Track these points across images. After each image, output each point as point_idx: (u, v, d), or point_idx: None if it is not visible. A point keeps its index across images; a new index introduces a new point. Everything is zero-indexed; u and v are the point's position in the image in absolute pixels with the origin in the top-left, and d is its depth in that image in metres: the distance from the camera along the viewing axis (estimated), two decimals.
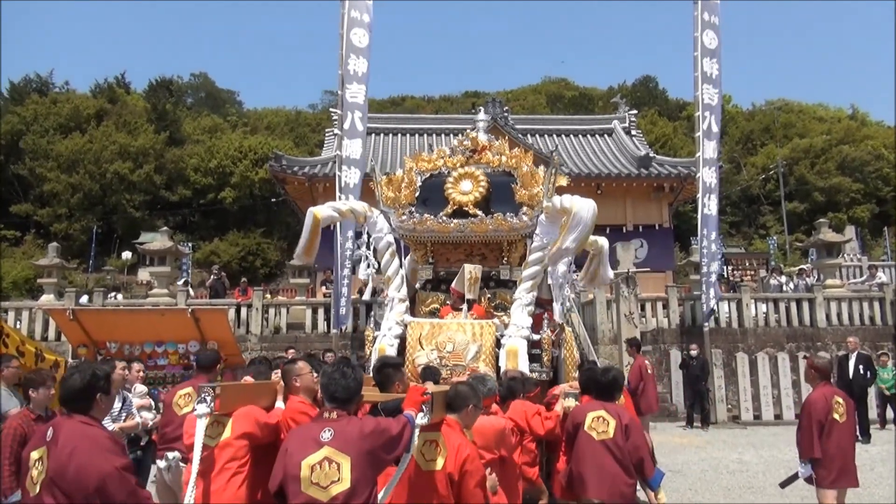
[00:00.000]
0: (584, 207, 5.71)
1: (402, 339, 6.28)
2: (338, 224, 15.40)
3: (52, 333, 15.90)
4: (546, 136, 26.59)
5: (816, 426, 5.57)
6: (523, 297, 6.36)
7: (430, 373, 5.22)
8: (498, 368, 5.90)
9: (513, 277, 6.84)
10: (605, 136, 26.54)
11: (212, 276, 20.37)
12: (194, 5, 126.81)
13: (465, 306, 6.48)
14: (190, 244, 33.26)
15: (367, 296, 7.10)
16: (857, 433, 10.05)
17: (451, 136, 25.88)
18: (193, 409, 3.54)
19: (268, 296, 18.02)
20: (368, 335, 6.56)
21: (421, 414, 3.40)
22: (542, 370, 6.15)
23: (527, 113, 42.97)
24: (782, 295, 18.49)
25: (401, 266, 6.88)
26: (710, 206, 15.88)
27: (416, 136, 26.41)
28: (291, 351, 14.32)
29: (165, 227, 19.98)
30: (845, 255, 24.83)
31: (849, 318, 17.62)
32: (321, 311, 17.30)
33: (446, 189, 6.64)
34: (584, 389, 5.48)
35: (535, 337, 6.20)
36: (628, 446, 4.81)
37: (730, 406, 15.80)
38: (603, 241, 7.15)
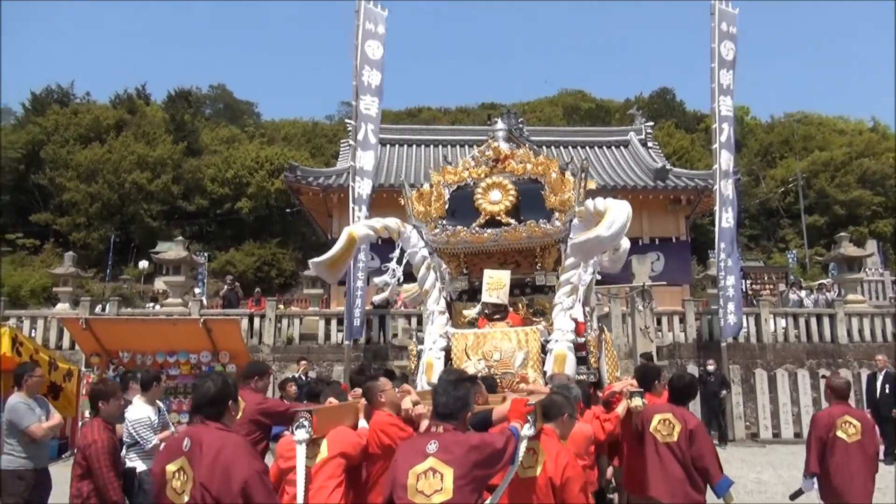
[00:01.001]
0: (619, 206, 5.84)
1: (447, 351, 6.33)
2: None
3: (66, 342, 15.97)
4: (561, 147, 26.43)
5: (816, 442, 5.68)
6: (563, 301, 6.41)
7: (485, 382, 5.17)
8: (544, 373, 5.94)
9: (548, 282, 6.89)
10: (621, 147, 26.34)
11: (225, 287, 20.40)
12: (215, 18, 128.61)
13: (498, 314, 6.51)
14: (206, 254, 33.43)
15: (377, 300, 7.13)
16: (882, 454, 9.72)
17: (467, 147, 25.81)
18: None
19: (281, 306, 17.98)
20: (412, 350, 6.59)
21: (527, 425, 3.51)
22: (588, 372, 6.20)
23: (543, 125, 42.89)
24: (802, 310, 18.15)
25: (437, 279, 6.87)
26: (727, 218, 15.66)
27: (432, 147, 26.36)
28: (303, 362, 14.29)
29: (180, 237, 20.06)
30: (867, 270, 24.39)
31: (871, 334, 17.25)
32: (334, 322, 17.24)
33: (476, 200, 6.70)
34: (643, 387, 5.62)
35: (580, 340, 6.25)
36: (693, 452, 4.89)
37: (748, 423, 15.49)
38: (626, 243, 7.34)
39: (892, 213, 43.46)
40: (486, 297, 6.49)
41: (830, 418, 5.71)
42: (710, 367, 14.62)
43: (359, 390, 4.87)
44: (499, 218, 6.61)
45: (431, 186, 6.95)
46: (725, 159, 15.94)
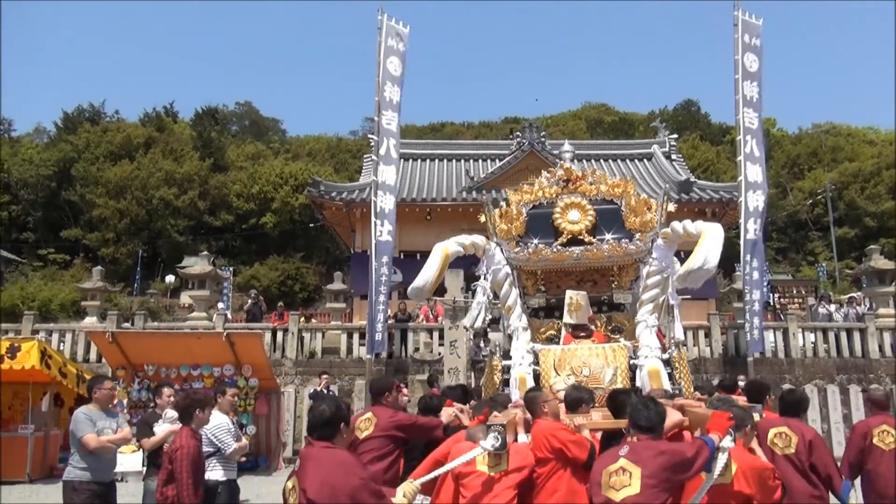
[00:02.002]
0: (716, 231, 6.08)
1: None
2: (372, 250, 15.48)
3: (93, 355, 16.20)
4: (584, 161, 26.35)
5: (853, 449, 5.92)
6: (647, 318, 6.66)
7: (583, 393, 5.37)
8: (635, 389, 6.05)
9: (624, 300, 7.13)
10: (645, 160, 26.19)
11: (249, 301, 20.60)
12: (241, 36, 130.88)
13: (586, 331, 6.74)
14: (231, 268, 33.80)
15: (477, 324, 7.15)
16: None
17: (489, 161, 25.89)
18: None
19: (302, 320, 18.09)
20: (497, 365, 6.70)
21: (728, 438, 3.78)
22: (675, 388, 6.32)
23: (566, 138, 42.60)
24: (831, 324, 17.77)
25: (519, 296, 7.01)
26: (753, 231, 15.44)
27: (454, 161, 26.47)
28: (325, 376, 14.33)
29: (205, 252, 20.35)
30: None
31: None
32: (356, 336, 17.27)
33: (555, 219, 6.85)
34: (756, 401, 5.87)
35: (665, 356, 6.46)
36: (814, 460, 5.11)
37: None
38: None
39: None
40: (567, 318, 6.75)
41: (868, 427, 5.96)
42: (741, 383, 14.33)
43: (457, 405, 5.57)
44: (580, 237, 6.76)
45: (512, 205, 7.06)
46: (752, 171, 15.76)
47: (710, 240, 5.92)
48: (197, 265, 20.21)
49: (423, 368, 16.65)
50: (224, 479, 6.06)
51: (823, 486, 5.11)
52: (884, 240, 37.85)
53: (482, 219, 7.24)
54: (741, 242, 15.60)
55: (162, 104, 54.68)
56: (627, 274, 7.08)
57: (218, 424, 6.11)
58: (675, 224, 6.48)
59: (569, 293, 6.77)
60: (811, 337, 17.16)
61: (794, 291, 26.88)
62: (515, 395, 6.14)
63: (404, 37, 16.32)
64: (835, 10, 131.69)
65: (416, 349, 17.17)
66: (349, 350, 17.27)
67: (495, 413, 4.77)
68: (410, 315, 18.10)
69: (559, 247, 6.72)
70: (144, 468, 6.72)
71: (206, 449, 5.87)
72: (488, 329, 18.05)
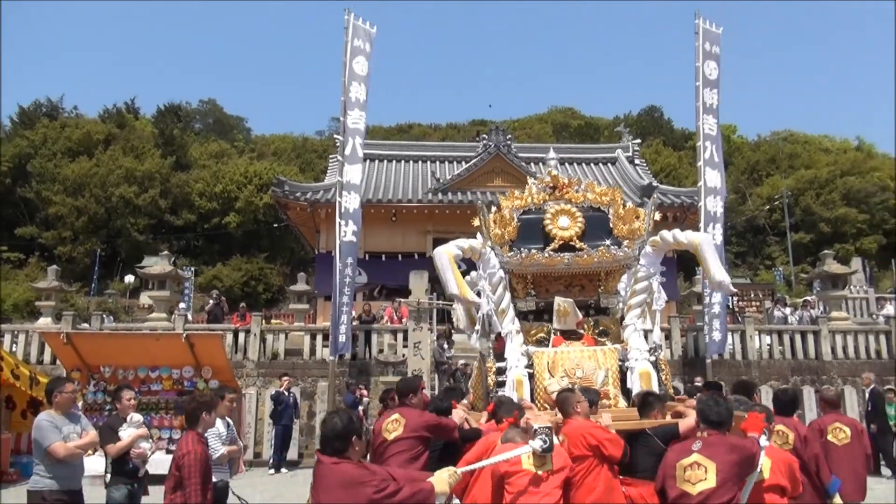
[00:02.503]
0: (705, 239, 6.74)
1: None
2: (336, 251, 15.38)
3: (47, 357, 15.77)
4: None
5: (819, 449, 6.23)
6: (636, 322, 6.98)
7: (590, 394, 5.56)
8: (626, 390, 6.41)
9: (610, 305, 7.35)
10: (609, 164, 26.52)
11: (210, 301, 20.27)
12: (207, 33, 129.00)
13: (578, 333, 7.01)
14: (192, 269, 33.24)
15: (495, 330, 7.20)
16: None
17: (455, 163, 25.93)
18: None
19: (264, 321, 17.87)
20: (490, 366, 6.87)
21: (763, 437, 4.15)
22: (661, 389, 6.52)
23: (533, 141, 43.09)
24: (787, 327, 18.23)
25: (515, 300, 7.20)
26: (713, 235, 15.74)
27: (420, 163, 26.45)
28: (286, 378, 14.18)
29: (166, 252, 19.97)
30: (851, 287, 24.58)
31: (854, 351, 17.34)
32: (319, 338, 17.14)
33: (545, 225, 7.01)
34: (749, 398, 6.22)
35: (651, 359, 6.69)
36: (807, 456, 5.52)
37: None
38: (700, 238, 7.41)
39: (877, 230, 43.87)
40: (556, 324, 6.96)
41: (822, 425, 6.64)
42: (699, 383, 14.61)
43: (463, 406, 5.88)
44: (572, 243, 6.92)
45: (506, 211, 7.20)
46: (711, 177, 16.09)
47: (710, 254, 6.60)
48: (157, 265, 19.84)
49: (387, 370, 16.60)
50: (215, 480, 5.89)
51: (816, 477, 5.58)
52: (838, 245, 39.02)
53: (475, 223, 7.34)
54: None
55: (123, 100, 53.61)
56: (614, 279, 7.34)
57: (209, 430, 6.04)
58: (665, 233, 6.98)
59: (557, 300, 6.94)
60: (767, 339, 17.57)
61: (752, 295, 27.49)
62: (513, 396, 6.26)
63: (371, 37, 16.26)
64: (795, 22, 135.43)
65: (381, 351, 17.10)
66: (312, 351, 17.12)
67: (536, 413, 5.15)
68: (375, 316, 18.04)
69: (551, 252, 6.88)
70: (107, 476, 6.42)
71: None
72: (452, 331, 18.12)
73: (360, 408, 14.67)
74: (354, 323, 17.18)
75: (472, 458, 4.73)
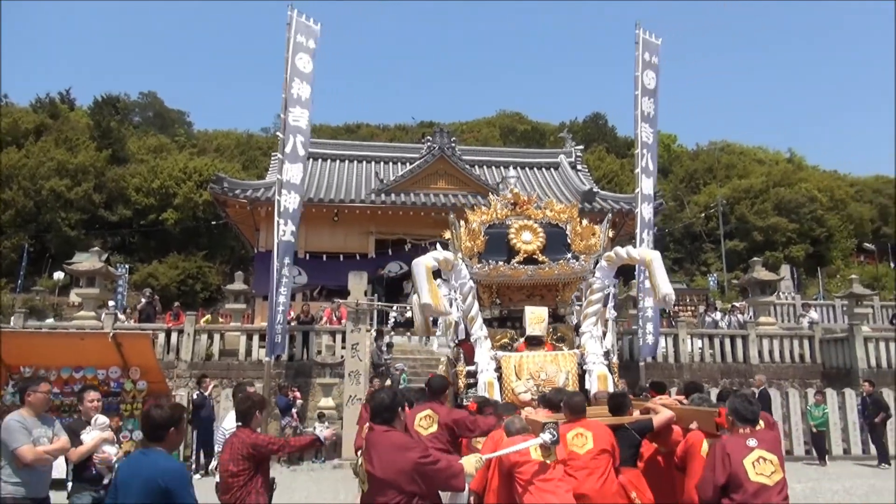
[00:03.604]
0: (655, 256, 7.38)
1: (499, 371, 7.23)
2: (275, 250, 15.09)
3: None
4: (493, 167, 26.79)
5: None
6: (592, 330, 7.55)
7: (577, 395, 5.98)
8: (585, 391, 6.90)
9: (567, 314, 8.01)
10: (552, 169, 26.87)
11: (143, 300, 19.62)
12: (149, 23, 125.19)
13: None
14: (127, 266, 32.09)
15: (461, 336, 7.74)
16: None
17: (400, 164, 25.85)
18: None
19: (203, 320, 17.41)
20: (461, 370, 7.29)
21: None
22: (616, 390, 7.07)
23: (480, 144, 43.35)
24: (717, 331, 18.80)
25: (481, 308, 7.68)
26: (647, 241, 16.11)
27: (365, 163, 26.25)
28: (207, 380, 13.79)
29: (97, 248, 19.19)
30: (780, 294, 25.54)
31: (780, 355, 17.99)
32: (256, 338, 16.79)
33: (510, 240, 7.61)
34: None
35: (606, 363, 7.35)
36: None
37: None
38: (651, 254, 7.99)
39: (805, 239, 45.78)
40: (530, 330, 7.49)
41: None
42: (647, 385, 14.91)
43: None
44: (535, 256, 7.52)
45: (476, 225, 7.71)
46: (646, 184, 16.45)
47: (660, 269, 7.24)
48: (86, 261, 19.06)
49: (325, 371, 16.38)
50: None
51: None
52: (769, 253, 40.54)
53: (446, 235, 7.90)
54: None
55: (57, 90, 51.49)
56: (570, 290, 7.99)
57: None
58: (619, 249, 7.66)
59: (528, 309, 7.55)
60: (699, 343, 18.08)
61: (688, 300, 28.22)
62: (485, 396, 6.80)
63: (315, 34, 16.02)
64: (734, 39, 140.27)
65: (319, 352, 16.87)
66: (248, 352, 16.76)
67: (547, 411, 5.79)
68: (314, 317, 17.79)
69: (516, 264, 7.48)
70: (69, 483, 5.96)
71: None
72: (392, 332, 18.04)
73: (294, 410, 14.46)
74: (293, 323, 16.91)
75: (486, 451, 5.12)
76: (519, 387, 6.95)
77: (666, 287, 7.16)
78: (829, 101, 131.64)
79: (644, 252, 7.57)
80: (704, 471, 4.59)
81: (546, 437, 4.75)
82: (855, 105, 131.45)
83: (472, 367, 7.19)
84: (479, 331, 7.38)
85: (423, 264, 7.02)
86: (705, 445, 5.02)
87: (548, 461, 4.81)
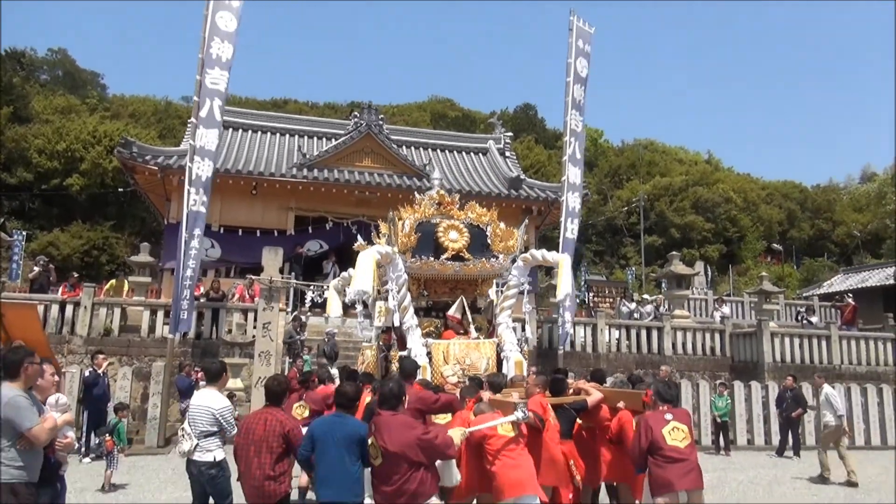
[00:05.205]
0: (565, 260, 8.71)
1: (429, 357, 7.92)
2: (184, 220, 14.13)
3: None
4: (422, 149, 26.28)
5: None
6: (507, 321, 8.57)
7: (501, 378, 6.92)
8: (503, 375, 7.42)
9: (482, 306, 8.92)
10: (480, 154, 26.61)
11: (36, 268, 18.11)
12: None
13: (472, 329, 8.50)
14: (24, 233, 29.67)
15: (396, 323, 8.16)
16: None
17: (325, 140, 24.98)
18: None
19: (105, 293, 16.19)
20: (395, 356, 7.99)
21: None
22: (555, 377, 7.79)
23: (409, 126, 42.64)
24: (634, 322, 19.09)
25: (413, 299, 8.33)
26: (571, 230, 16.06)
27: (288, 136, 25.21)
28: (102, 356, 12.67)
29: None
30: (694, 289, 26.29)
31: (692, 347, 18.43)
32: (161, 314, 15.80)
33: (438, 237, 8.30)
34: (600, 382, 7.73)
35: (521, 350, 8.37)
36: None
37: None
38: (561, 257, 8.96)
39: (719, 238, 47.66)
40: (452, 311, 8.49)
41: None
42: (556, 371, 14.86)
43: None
44: (461, 254, 8.32)
45: (411, 221, 8.25)
46: (573, 173, 16.38)
47: (566, 272, 8.52)
48: None
49: (234, 351, 15.60)
50: (223, 457, 5.79)
51: None
52: (685, 250, 41.87)
53: (383, 230, 8.61)
54: (560, 241, 16.17)
55: None
56: (487, 285, 8.94)
57: (226, 406, 5.89)
58: (535, 251, 8.83)
59: (463, 300, 8.57)
60: (616, 333, 18.29)
61: (607, 292, 28.68)
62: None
63: None
64: (659, 39, 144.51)
65: (229, 330, 16.04)
66: (152, 328, 15.80)
67: (508, 392, 6.47)
68: (224, 294, 16.88)
69: (444, 260, 8.25)
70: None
71: (208, 428, 5.69)
72: (308, 314, 17.33)
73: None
74: (202, 300, 15.99)
75: (456, 426, 5.73)
76: (447, 370, 7.74)
77: (566, 288, 8.58)
78: (745, 105, 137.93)
79: (555, 256, 8.67)
80: (633, 439, 5.79)
81: (519, 414, 5.52)
82: (769, 110, 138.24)
83: (404, 353, 7.78)
84: (410, 319, 8.00)
85: (369, 255, 7.58)
86: (634, 422, 6.20)
87: (511, 435, 5.54)
